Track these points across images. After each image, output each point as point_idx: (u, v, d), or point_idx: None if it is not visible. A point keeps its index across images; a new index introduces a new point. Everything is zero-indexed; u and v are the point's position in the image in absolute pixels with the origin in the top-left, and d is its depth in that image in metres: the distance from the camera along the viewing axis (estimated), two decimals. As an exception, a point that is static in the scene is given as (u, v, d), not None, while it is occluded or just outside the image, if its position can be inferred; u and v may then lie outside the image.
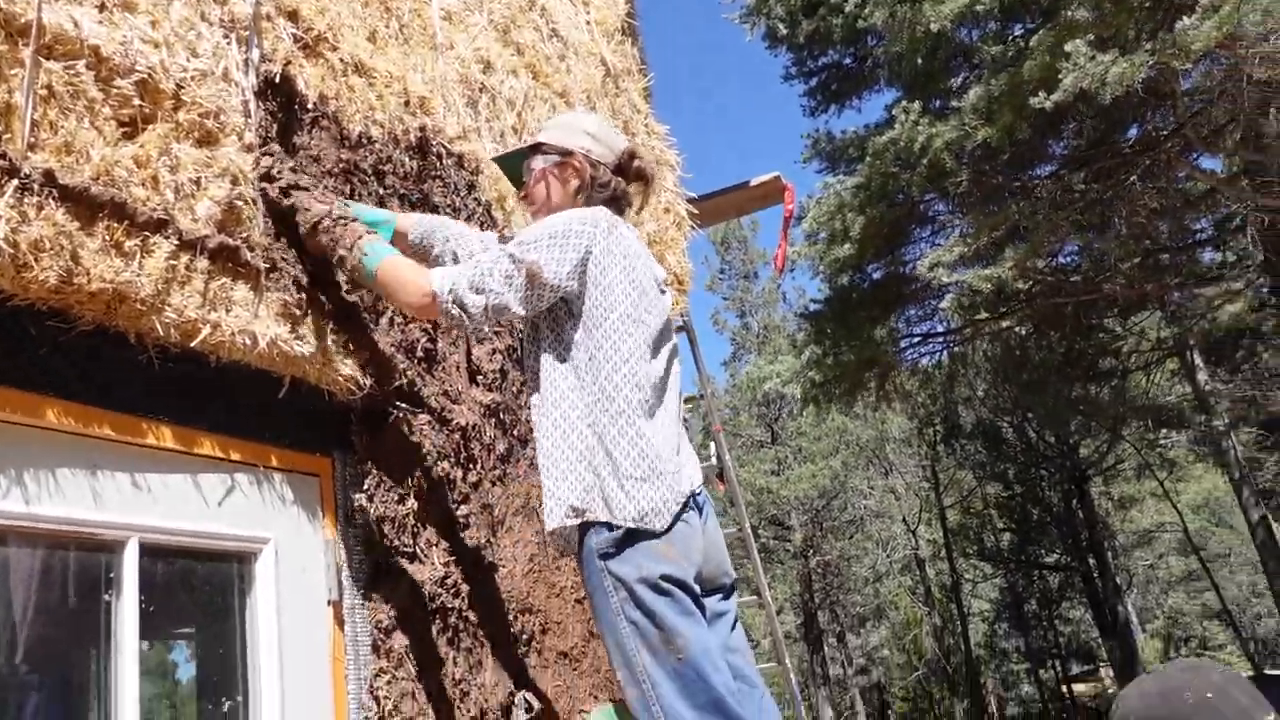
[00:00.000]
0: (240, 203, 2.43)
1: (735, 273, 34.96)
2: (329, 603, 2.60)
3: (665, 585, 2.14)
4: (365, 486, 2.74)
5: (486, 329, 2.40)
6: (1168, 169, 8.04)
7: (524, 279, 2.30)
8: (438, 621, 2.82)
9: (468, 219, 3.44)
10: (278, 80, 2.64)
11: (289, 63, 2.70)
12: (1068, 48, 6.18)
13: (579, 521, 2.21)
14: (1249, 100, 6.72)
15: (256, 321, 2.39)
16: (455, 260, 2.70)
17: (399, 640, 2.67)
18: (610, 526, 2.17)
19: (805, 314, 10.97)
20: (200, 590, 2.50)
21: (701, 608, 2.22)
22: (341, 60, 2.96)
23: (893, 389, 11.58)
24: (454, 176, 3.42)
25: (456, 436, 3.09)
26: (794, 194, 6.23)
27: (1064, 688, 32.64)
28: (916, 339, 10.96)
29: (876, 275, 10.31)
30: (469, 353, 3.33)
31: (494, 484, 3.26)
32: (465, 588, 2.94)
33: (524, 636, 3.22)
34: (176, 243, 2.23)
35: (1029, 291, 10.23)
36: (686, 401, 6.44)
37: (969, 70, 8.38)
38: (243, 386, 2.42)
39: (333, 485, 2.71)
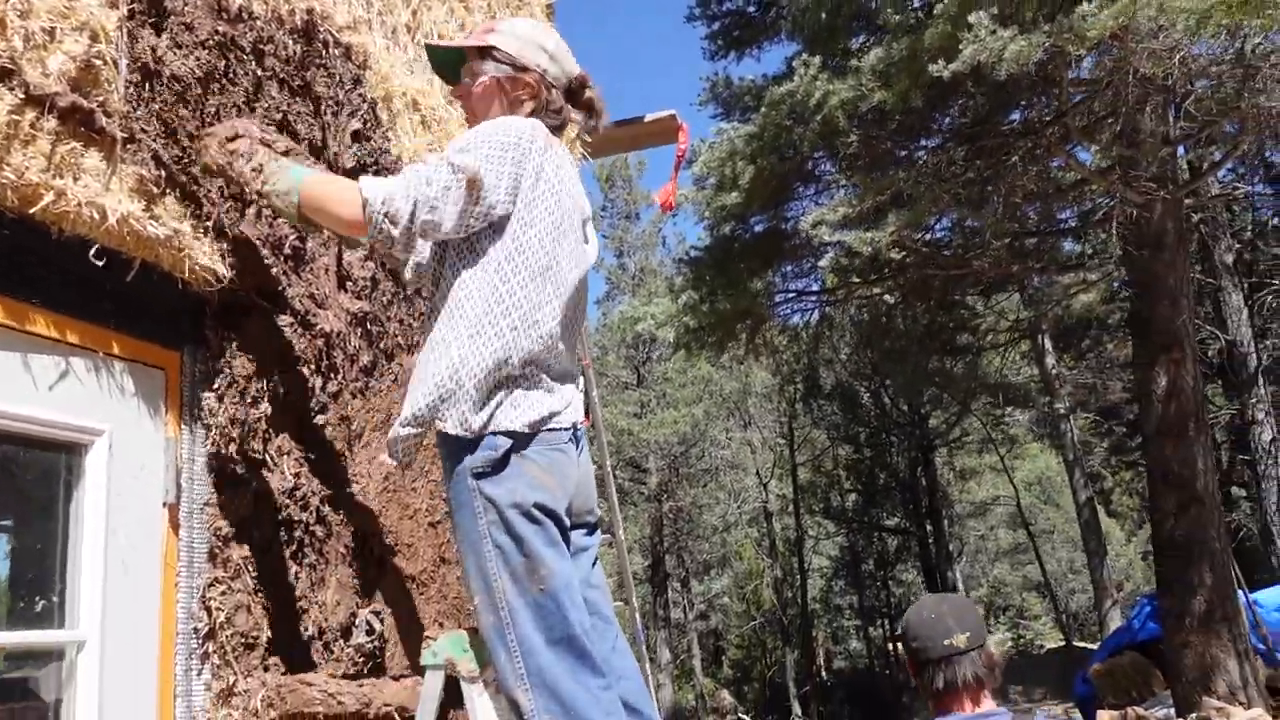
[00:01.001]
0: (99, 62, 2.21)
1: (617, 211, 34.76)
2: (165, 504, 2.44)
3: (537, 513, 2.06)
4: (215, 385, 2.57)
5: (404, 253, 2.25)
6: (1046, 155, 8.27)
7: (463, 190, 2.11)
8: (282, 534, 2.68)
9: (351, 114, 3.25)
10: (152, -67, 2.41)
11: (167, -84, 2.47)
12: (971, 18, 6.25)
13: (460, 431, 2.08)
14: (1131, 95, 6.94)
15: (107, 195, 2.19)
16: None
17: (238, 550, 2.52)
18: (489, 444, 2.07)
19: (685, 259, 10.95)
20: (22, 479, 2.31)
21: (567, 540, 2.16)
22: (226, -76, 2.73)
23: (762, 343, 11.72)
24: (340, 67, 3.21)
25: (319, 342, 2.93)
26: (688, 134, 6.11)
27: (890, 645, 34.10)
28: (791, 295, 11.08)
29: (759, 228, 10.36)
30: (340, 256, 3.16)
31: (354, 396, 3.12)
32: (314, 501, 2.80)
33: (372, 557, 3.11)
34: (22, 97, 2.02)
35: (902, 261, 10.42)
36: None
37: (868, 34, 8.41)
38: (86, 264, 2.22)
39: (179, 380, 2.53)
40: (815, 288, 11.25)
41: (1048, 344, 20.16)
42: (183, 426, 2.51)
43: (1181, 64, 6.17)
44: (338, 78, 3.20)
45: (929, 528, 29.90)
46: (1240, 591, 9.05)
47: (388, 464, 3.23)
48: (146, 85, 2.36)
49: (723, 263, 9.86)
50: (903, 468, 30.88)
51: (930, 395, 24.99)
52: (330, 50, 3.17)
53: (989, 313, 19.23)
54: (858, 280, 10.51)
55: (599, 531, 2.51)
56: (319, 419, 2.92)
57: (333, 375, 3.00)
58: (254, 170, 2.29)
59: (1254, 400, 16.74)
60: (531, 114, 2.37)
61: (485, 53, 2.40)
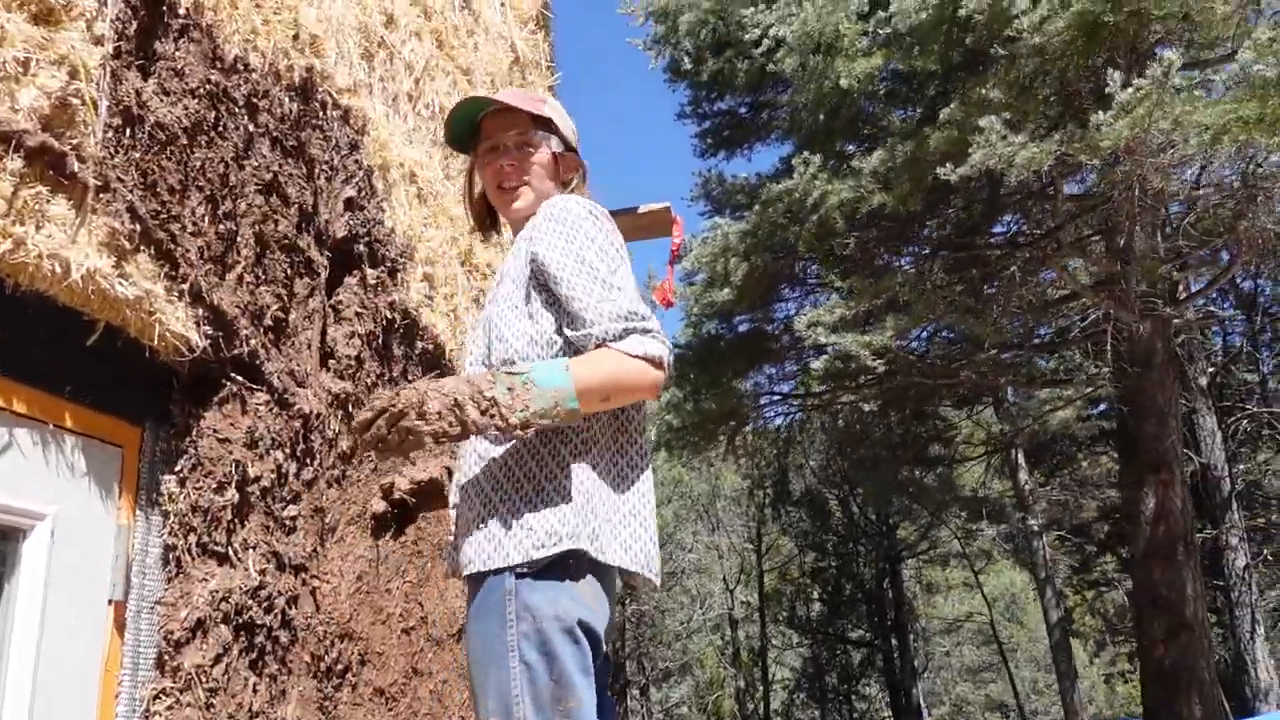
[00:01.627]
0: (77, 101, 1.98)
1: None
2: (110, 601, 2.13)
3: (578, 632, 1.79)
4: (178, 468, 2.29)
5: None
6: (1039, 267, 8.21)
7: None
8: (242, 639, 2.37)
9: (345, 180, 3.03)
10: (147, -32, 2.20)
11: (164, -47, 2.27)
12: (982, 123, 6.20)
13: (554, 552, 1.82)
14: (1127, 212, 6.89)
15: (73, 248, 1.94)
16: None
17: (190, 658, 2.21)
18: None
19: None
20: (-55, 567, 2.01)
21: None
22: (227, -31, 2.54)
23: (742, 444, 11.46)
24: (337, 131, 3.00)
25: (297, 424, 2.65)
26: (683, 227, 5.93)
27: (850, 762, 33.19)
28: (777, 398, 10.88)
29: (745, 327, 10.22)
30: (324, 331, 2.90)
31: (330, 485, 2.83)
32: (279, 603, 2.50)
33: (339, 667, 2.79)
34: (-17, 129, 1.78)
35: (887, 368, 10.28)
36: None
37: (866, 138, 8.38)
38: (43, 324, 1.96)
39: (138, 461, 2.25)
40: (800, 390, 11.08)
41: (1021, 459, 20.04)
42: (138, 513, 2.22)
43: (1188, 180, 6.15)
44: (334, 141, 2.99)
45: (894, 642, 29.32)
46: (1230, 725, 8.75)
47: (362, 560, 2.93)
48: (127, 131, 2.13)
49: (707, 361, 9.68)
50: (869, 578, 30.43)
51: (899, 506, 24.70)
52: (328, 112, 2.97)
53: (964, 425, 19.14)
54: (846, 385, 10.33)
55: (611, 662, 2.23)
56: (290, 509, 2.63)
57: (309, 461, 2.72)
58: (489, 412, 1.82)
59: (1228, 525, 16.60)
60: (569, 193, 2.18)
61: (544, 123, 2.19)
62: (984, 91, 6.54)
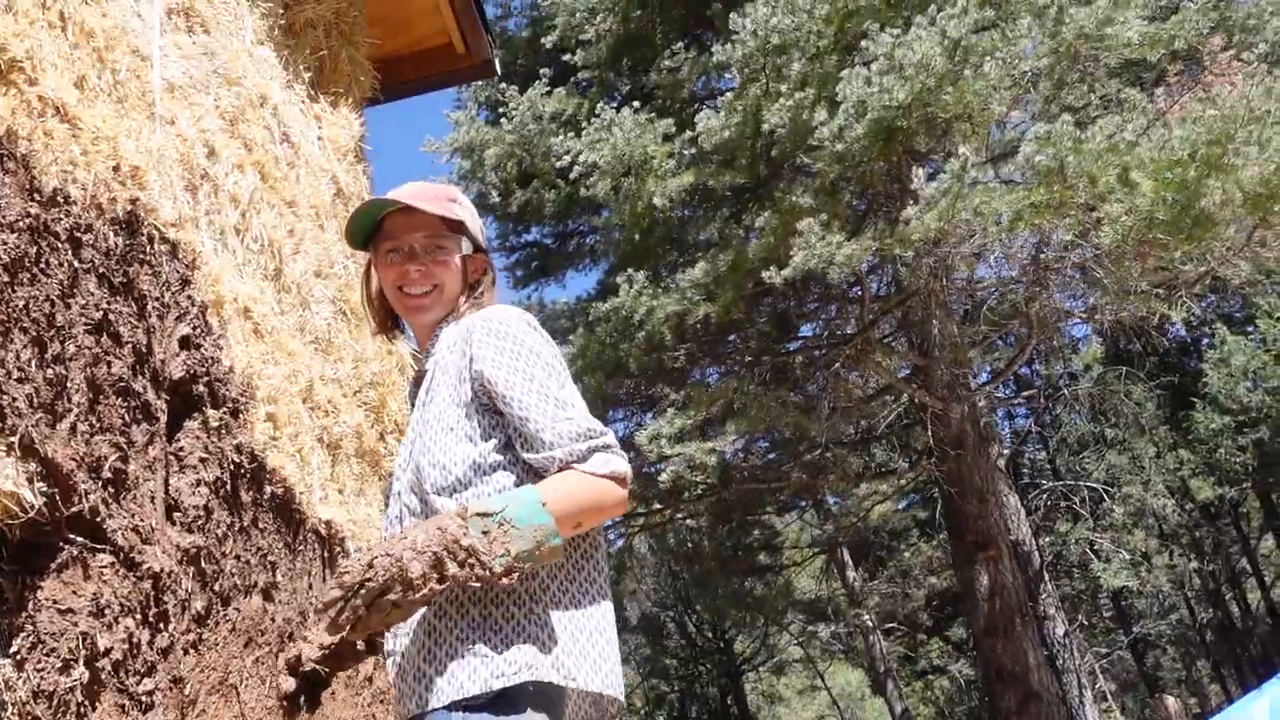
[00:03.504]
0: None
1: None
2: (-58, 818, 1.80)
3: None
4: (14, 648, 1.98)
5: None
6: (855, 364, 8.54)
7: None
8: (100, 843, 2.04)
9: (179, 318, 2.81)
10: (-45, 93, 2.00)
11: (-28, 77, 2.08)
12: (800, 226, 6.46)
13: (514, 683, 1.64)
14: (934, 303, 7.30)
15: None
16: None
17: None
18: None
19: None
20: None
21: None
22: (40, 98, 2.35)
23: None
24: (166, 266, 2.79)
25: (146, 586, 2.37)
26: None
27: None
28: (607, 523, 10.74)
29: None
30: (167, 481, 2.64)
31: (187, 651, 2.53)
32: (137, 792, 2.18)
33: None
34: None
35: (715, 478, 10.38)
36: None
37: (683, 254, 8.61)
38: None
39: (-34, 645, 1.94)
40: (631, 510, 11.02)
41: (848, 557, 20.54)
42: (-32, 706, 1.90)
43: (992, 266, 6.60)
44: (164, 277, 2.77)
45: (745, 759, 29.00)
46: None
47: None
48: (-60, 269, 1.89)
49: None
50: (713, 697, 30.18)
51: (736, 618, 24.78)
52: (156, 246, 2.76)
53: (789, 530, 19.54)
54: (682, 499, 10.34)
55: None
56: (146, 683, 2.33)
57: (163, 626, 2.42)
58: (468, 564, 1.63)
59: (1044, 595, 17.38)
60: (478, 299, 2.10)
61: (455, 225, 2.10)
62: (794, 199, 6.85)
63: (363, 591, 1.60)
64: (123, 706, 2.19)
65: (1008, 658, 8.67)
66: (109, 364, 2.41)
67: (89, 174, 2.48)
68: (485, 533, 1.63)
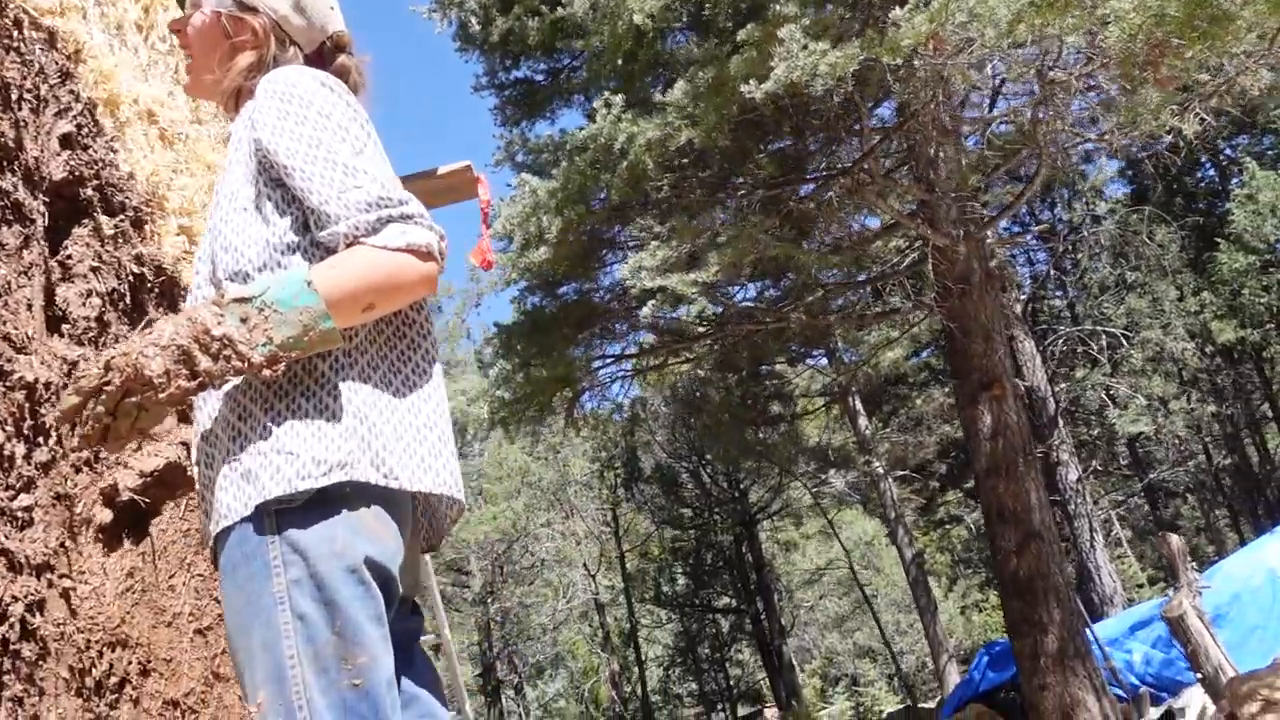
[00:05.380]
0: None
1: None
2: None
3: (365, 573, 1.41)
4: None
5: None
6: (853, 199, 8.21)
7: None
8: (-39, 657, 1.90)
9: (58, 114, 2.54)
10: None
11: None
12: (781, 34, 6.02)
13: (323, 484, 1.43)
14: (934, 128, 6.91)
15: None
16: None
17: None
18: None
19: (494, 329, 10.33)
20: None
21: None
22: None
23: (581, 417, 11.18)
24: (39, 55, 2.52)
25: (19, 397, 2.18)
26: (489, 185, 5.55)
27: (733, 729, 33.56)
28: (610, 360, 10.61)
29: (570, 290, 9.90)
30: (51, 291, 2.43)
31: (78, 469, 2.36)
32: (17, 610, 2.03)
33: (112, 680, 2.33)
34: None
35: (717, 323, 10.18)
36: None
37: (668, 78, 8.18)
38: None
39: None
40: (633, 350, 10.87)
41: (859, 405, 20.49)
42: None
43: (991, 76, 6.18)
44: (36, 66, 2.50)
45: (760, 604, 29.70)
46: (1087, 628, 8.99)
47: (131, 554, 2.47)
48: None
49: (533, 331, 9.31)
50: (728, 545, 30.72)
51: (749, 467, 24.96)
52: (25, 31, 2.47)
53: (799, 379, 19.44)
54: (681, 340, 10.16)
55: (422, 613, 1.86)
56: (23, 499, 2.16)
57: (42, 440, 2.24)
58: (223, 355, 1.39)
59: (1057, 442, 17.34)
60: (247, 70, 1.75)
61: None
62: (780, 8, 6.40)
63: (103, 396, 1.37)
64: (-16, 519, 2.02)
65: (1009, 497, 8.56)
66: (-41, 152, 2.17)
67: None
68: (244, 320, 1.39)
